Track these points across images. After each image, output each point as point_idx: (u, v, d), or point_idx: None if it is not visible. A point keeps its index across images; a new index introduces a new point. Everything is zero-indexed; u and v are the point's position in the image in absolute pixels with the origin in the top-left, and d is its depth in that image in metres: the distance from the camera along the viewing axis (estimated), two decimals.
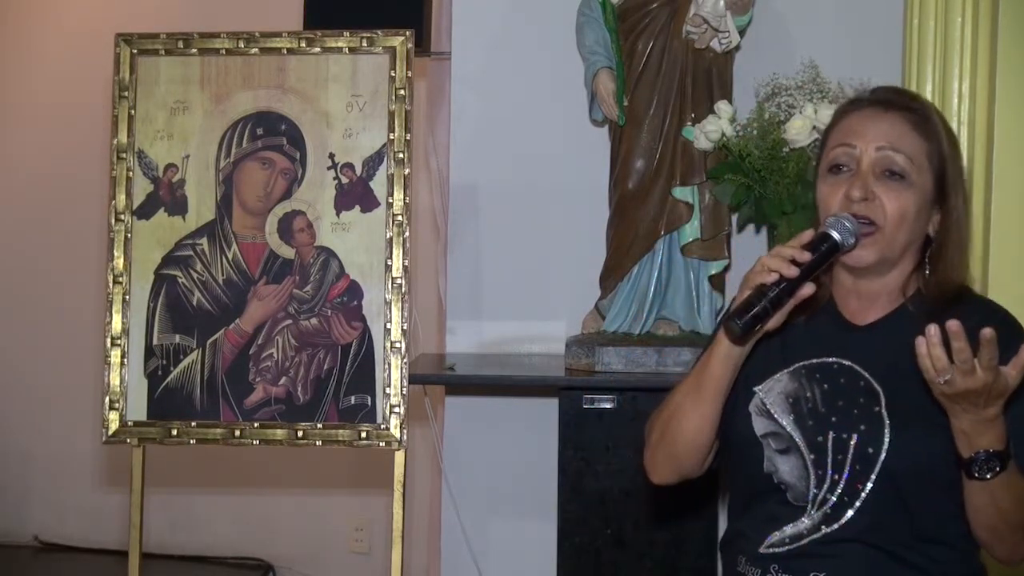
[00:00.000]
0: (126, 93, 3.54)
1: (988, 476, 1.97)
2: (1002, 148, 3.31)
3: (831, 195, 2.18)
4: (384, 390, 3.43)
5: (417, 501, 4.80)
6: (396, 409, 3.43)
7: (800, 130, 3.33)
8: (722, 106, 3.50)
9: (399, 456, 3.44)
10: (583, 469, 3.52)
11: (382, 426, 3.43)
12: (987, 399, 1.90)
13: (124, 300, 3.50)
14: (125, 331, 3.49)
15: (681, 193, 3.62)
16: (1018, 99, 3.30)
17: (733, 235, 3.71)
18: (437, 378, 3.80)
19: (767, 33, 3.87)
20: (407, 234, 3.46)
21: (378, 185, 3.48)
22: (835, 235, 2.10)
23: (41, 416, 5.97)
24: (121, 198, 3.52)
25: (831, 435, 2.13)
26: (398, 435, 3.42)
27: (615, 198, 3.70)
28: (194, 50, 3.54)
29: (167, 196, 3.52)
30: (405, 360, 3.44)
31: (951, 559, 2.13)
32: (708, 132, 3.48)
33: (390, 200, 3.47)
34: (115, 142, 3.53)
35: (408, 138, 3.48)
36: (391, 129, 3.49)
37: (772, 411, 2.18)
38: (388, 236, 3.46)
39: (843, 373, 2.18)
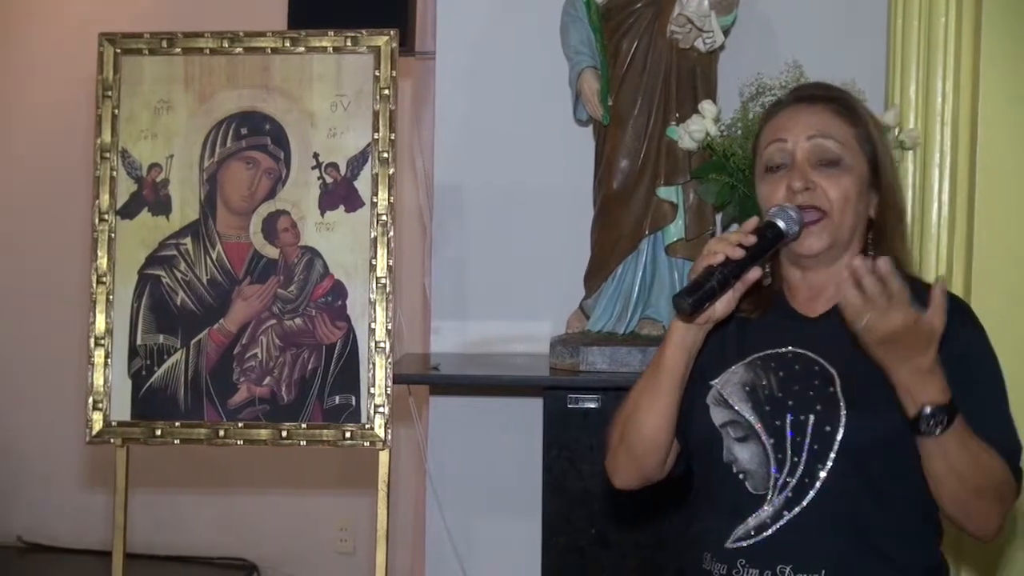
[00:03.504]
0: (110, 92, 3.53)
1: (938, 431, 1.99)
2: (985, 146, 3.33)
3: (773, 192, 2.24)
4: (368, 390, 3.43)
5: (402, 501, 4.80)
6: (380, 409, 3.42)
7: None
8: (706, 106, 3.50)
9: (383, 456, 3.44)
10: (567, 469, 3.52)
11: (366, 426, 3.43)
12: (916, 343, 1.94)
13: (108, 300, 3.49)
14: (109, 331, 3.49)
15: (665, 193, 3.63)
16: (1001, 98, 3.32)
17: (717, 235, 3.71)
18: (421, 378, 3.80)
19: (751, 33, 3.88)
20: (391, 234, 3.46)
21: (362, 185, 3.48)
22: (780, 223, 2.15)
23: (25, 416, 5.96)
24: (105, 198, 3.51)
25: (788, 418, 2.15)
26: (382, 435, 3.42)
27: (599, 198, 3.70)
28: (178, 49, 3.54)
29: (151, 196, 3.51)
30: (389, 360, 3.44)
31: (916, 549, 2.15)
32: (692, 132, 3.48)
33: (374, 200, 3.46)
34: (99, 142, 3.52)
35: (393, 138, 3.48)
36: (375, 129, 3.48)
37: (729, 400, 2.21)
38: (372, 236, 3.46)
39: (797, 360, 2.20)
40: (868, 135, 2.25)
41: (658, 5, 3.61)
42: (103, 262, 3.50)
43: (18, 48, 6.06)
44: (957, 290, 3.33)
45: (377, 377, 3.43)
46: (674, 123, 3.59)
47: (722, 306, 2.13)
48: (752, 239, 2.11)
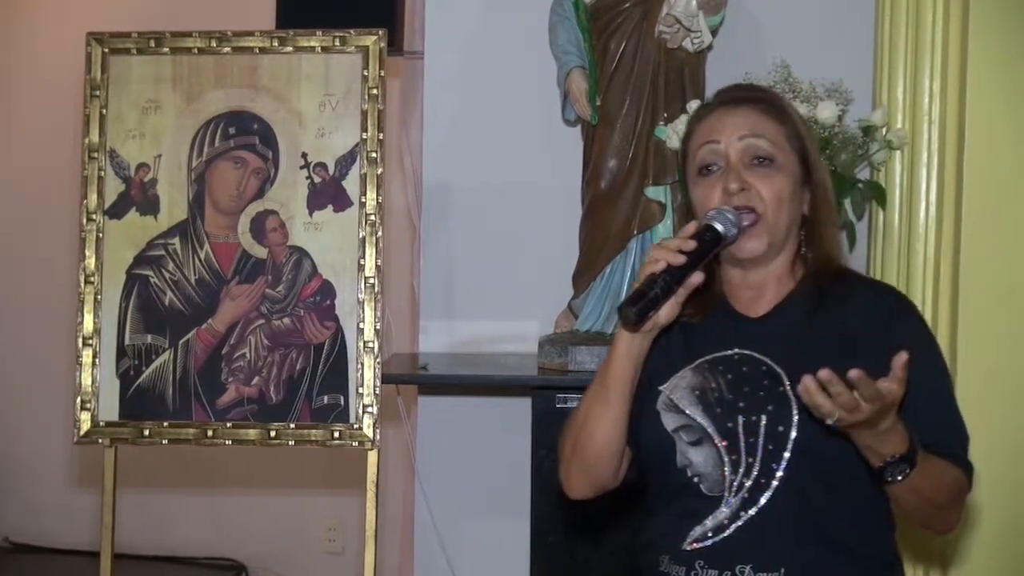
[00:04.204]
0: (98, 92, 3.53)
1: (901, 478, 2.00)
2: (973, 146, 3.33)
3: (708, 195, 2.24)
4: (357, 390, 3.43)
5: (390, 501, 4.80)
6: (369, 409, 3.42)
7: None
8: (694, 105, 3.50)
9: (372, 456, 3.44)
10: (556, 468, 3.49)
11: (355, 426, 3.43)
12: (881, 415, 1.93)
13: (96, 300, 3.49)
14: (97, 331, 3.48)
15: (654, 193, 3.63)
16: (989, 98, 3.32)
17: None
18: (410, 378, 3.80)
19: (739, 33, 3.88)
20: (380, 234, 3.46)
21: (351, 184, 3.48)
22: (718, 226, 2.16)
23: (13, 416, 5.94)
24: (93, 198, 3.50)
25: (740, 419, 2.14)
26: (371, 435, 3.42)
27: (588, 198, 3.70)
28: (166, 49, 3.53)
29: (139, 196, 3.51)
30: (378, 360, 3.44)
31: (873, 543, 2.17)
32: (680, 132, 3.47)
33: (363, 200, 3.46)
34: (87, 141, 3.52)
35: (381, 137, 3.48)
36: (364, 128, 3.48)
37: (680, 404, 2.20)
38: (361, 236, 3.46)
39: (744, 362, 2.21)
40: (797, 132, 2.27)
41: (646, 5, 3.61)
42: (91, 262, 3.49)
43: (15, 48, 6.04)
44: (945, 290, 3.34)
45: (365, 377, 3.43)
46: (662, 123, 3.59)
47: (666, 312, 2.13)
48: (692, 244, 2.11)
